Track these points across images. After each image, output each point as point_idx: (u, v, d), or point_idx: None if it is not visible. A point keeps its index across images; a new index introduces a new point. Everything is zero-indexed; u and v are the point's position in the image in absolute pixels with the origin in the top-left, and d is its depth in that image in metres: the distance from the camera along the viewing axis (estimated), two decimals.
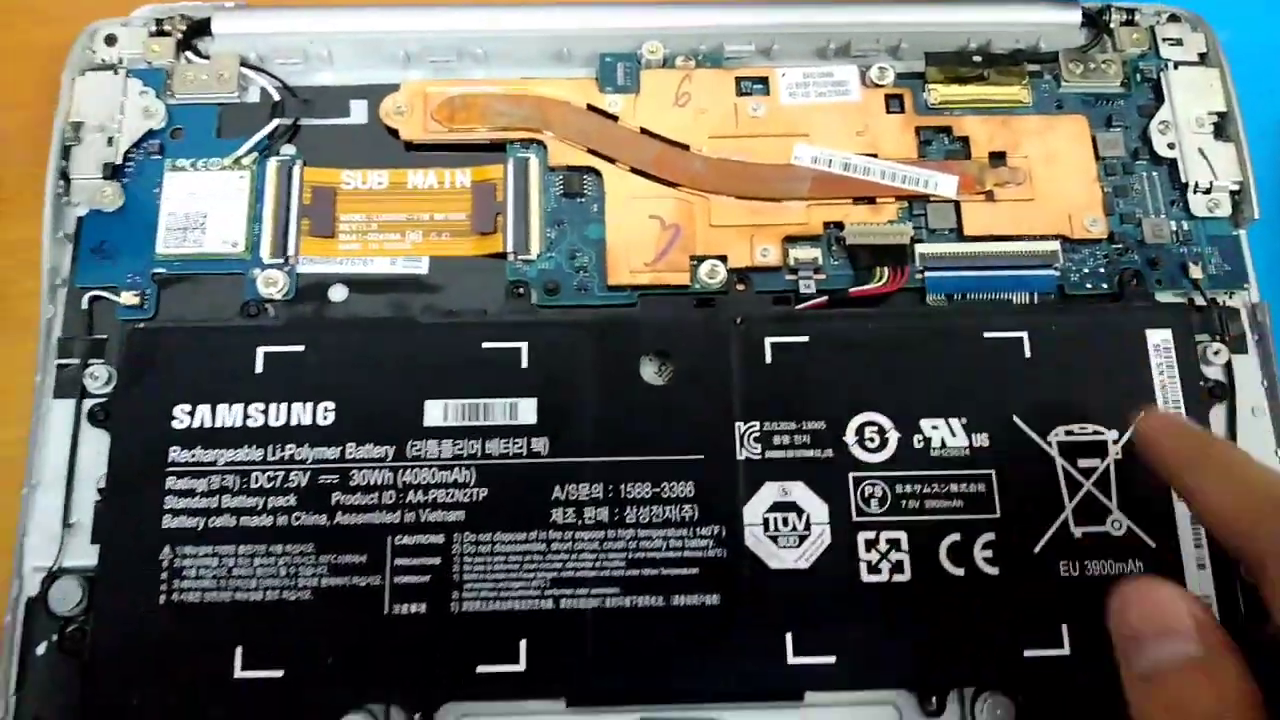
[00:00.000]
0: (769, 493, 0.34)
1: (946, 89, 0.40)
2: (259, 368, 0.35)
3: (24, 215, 0.41)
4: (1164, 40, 0.41)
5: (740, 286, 0.38)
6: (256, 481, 0.34)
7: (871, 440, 0.35)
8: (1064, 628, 0.33)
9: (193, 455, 0.34)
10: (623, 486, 0.34)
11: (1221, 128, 0.40)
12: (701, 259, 0.38)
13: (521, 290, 0.38)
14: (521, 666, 0.33)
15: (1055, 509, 0.34)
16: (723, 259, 0.38)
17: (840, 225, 0.38)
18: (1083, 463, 0.35)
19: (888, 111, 0.40)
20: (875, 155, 0.39)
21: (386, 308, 0.38)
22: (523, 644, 0.33)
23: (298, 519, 0.34)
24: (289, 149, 0.39)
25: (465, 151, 0.40)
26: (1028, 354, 0.36)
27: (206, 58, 0.40)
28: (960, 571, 0.34)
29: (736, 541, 0.34)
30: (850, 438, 0.35)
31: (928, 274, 0.38)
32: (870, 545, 0.34)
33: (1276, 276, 0.39)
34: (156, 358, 0.35)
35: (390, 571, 0.33)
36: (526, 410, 0.35)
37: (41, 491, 0.35)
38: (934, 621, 0.33)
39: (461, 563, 0.34)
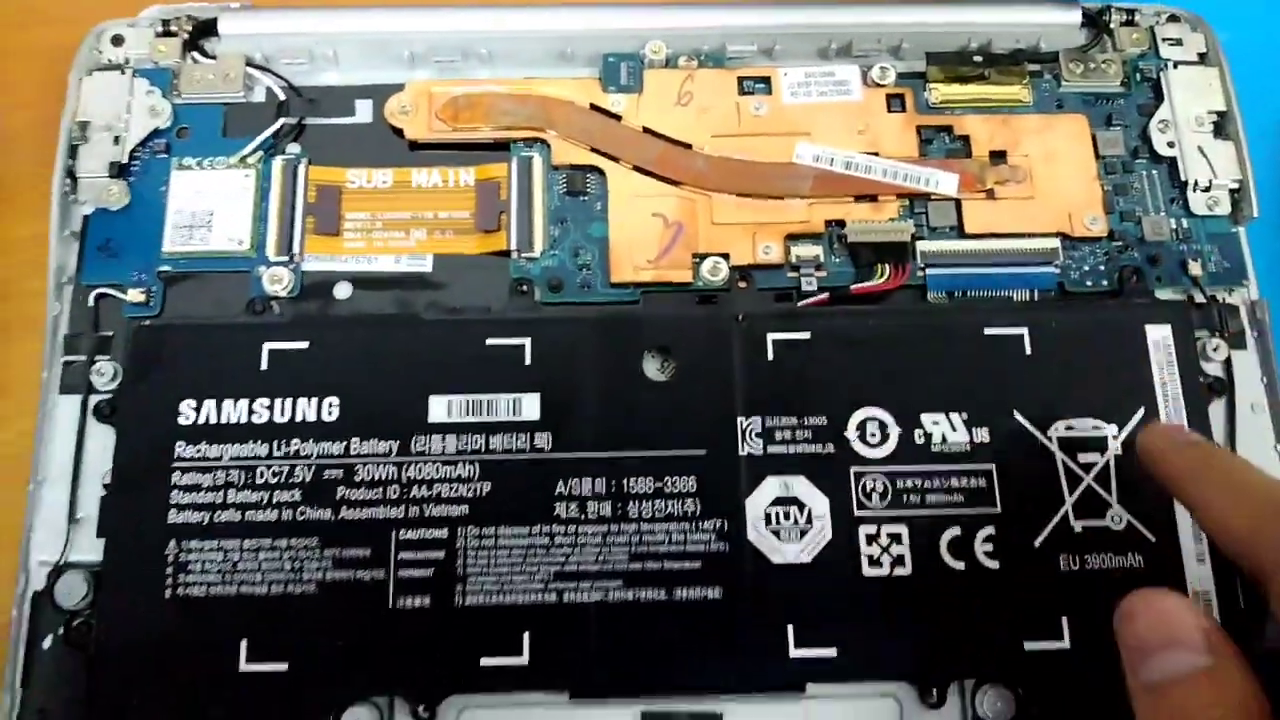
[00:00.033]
0: (771, 487, 0.35)
1: (947, 88, 0.40)
2: (264, 364, 0.36)
3: (30, 214, 0.41)
4: (1164, 40, 0.41)
5: (742, 284, 0.38)
6: (261, 477, 0.34)
7: (873, 435, 0.35)
8: (1064, 621, 0.33)
9: (198, 451, 0.35)
10: (625, 481, 0.35)
11: (1221, 127, 0.40)
12: (704, 256, 0.38)
13: (525, 288, 0.38)
14: (525, 660, 0.33)
15: (1055, 503, 0.35)
16: (725, 256, 0.38)
17: (842, 223, 0.39)
18: (1083, 457, 0.35)
19: (889, 111, 0.40)
20: (876, 154, 0.39)
21: (391, 305, 0.38)
22: (526, 637, 0.33)
23: (302, 514, 0.34)
24: (294, 148, 0.40)
25: (469, 150, 0.40)
26: (1028, 350, 0.36)
27: (213, 58, 0.41)
28: (961, 565, 0.34)
29: (739, 535, 0.34)
30: (852, 433, 0.35)
31: (929, 271, 0.38)
32: (871, 539, 0.34)
33: (1276, 274, 0.39)
34: (162, 354, 0.36)
35: (394, 565, 0.34)
36: (530, 406, 0.35)
37: (48, 487, 0.36)
38: (935, 615, 0.34)
39: (465, 557, 0.34)
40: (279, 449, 0.35)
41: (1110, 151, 0.40)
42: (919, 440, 0.35)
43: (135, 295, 0.37)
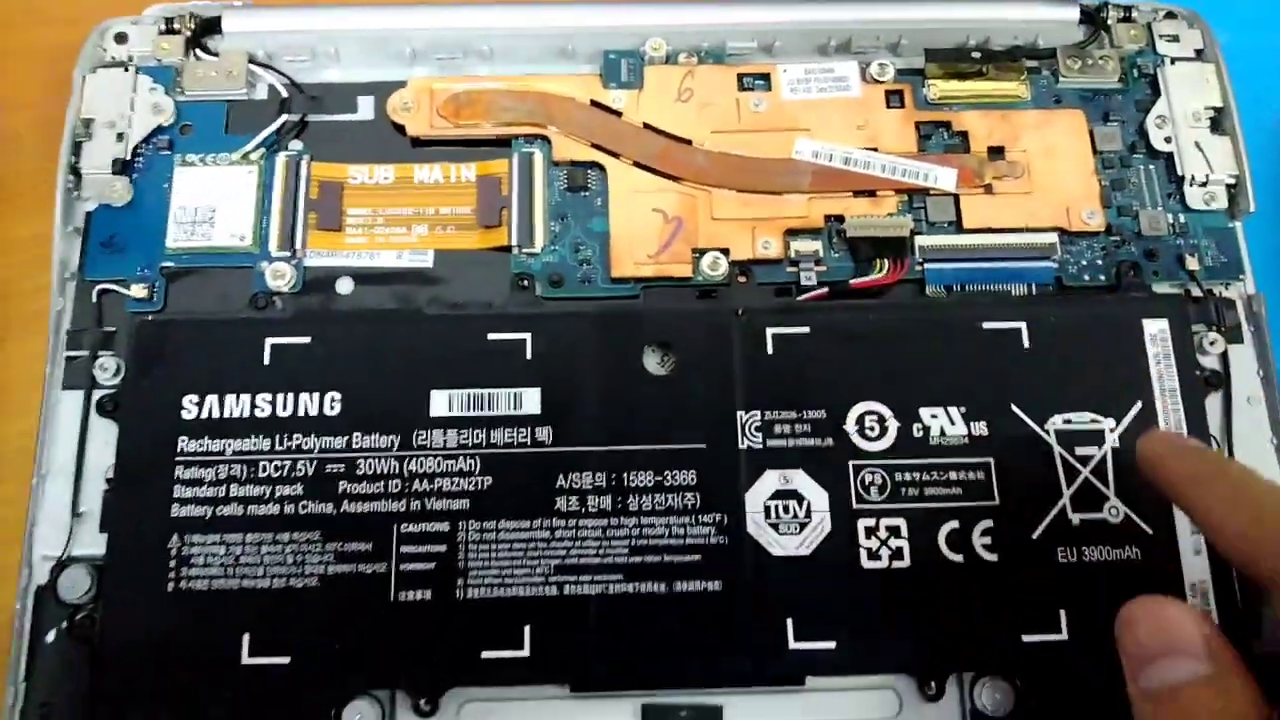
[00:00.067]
0: (770, 481, 0.35)
1: (946, 84, 0.41)
2: (266, 359, 0.36)
3: (34, 211, 0.41)
4: (1161, 36, 0.42)
5: (742, 279, 0.38)
6: (264, 471, 0.35)
7: (871, 429, 0.35)
8: (1062, 613, 0.33)
9: (201, 445, 0.35)
10: (626, 475, 0.35)
11: (1217, 122, 0.40)
12: (704, 252, 0.38)
13: (526, 283, 0.38)
14: (526, 652, 0.33)
15: (1053, 496, 0.35)
16: (725, 251, 0.38)
17: (841, 218, 0.39)
18: (1080, 450, 0.35)
19: (888, 107, 0.40)
20: (875, 149, 0.39)
21: (392, 300, 0.38)
22: (527, 630, 0.33)
23: (305, 508, 0.34)
24: (297, 144, 0.40)
25: (470, 146, 0.40)
26: (1026, 344, 0.36)
27: (215, 55, 0.41)
28: (959, 558, 0.34)
29: (738, 529, 0.34)
30: (851, 426, 0.35)
31: (927, 266, 0.38)
32: (870, 532, 0.34)
33: (1272, 268, 0.40)
34: (165, 349, 0.36)
35: (396, 559, 0.34)
36: (531, 400, 0.35)
37: (51, 482, 0.36)
38: (933, 607, 0.34)
39: (466, 550, 0.34)
40: (281, 443, 0.35)
41: (1108, 147, 0.40)
42: (917, 434, 0.35)
43: (138, 290, 0.37)
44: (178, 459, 0.35)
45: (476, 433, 0.35)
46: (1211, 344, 0.37)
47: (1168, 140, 0.40)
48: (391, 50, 0.41)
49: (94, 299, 0.38)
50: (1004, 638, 0.33)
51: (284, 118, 0.40)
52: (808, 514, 0.34)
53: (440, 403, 0.35)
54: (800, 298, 0.38)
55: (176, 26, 0.41)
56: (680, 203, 0.39)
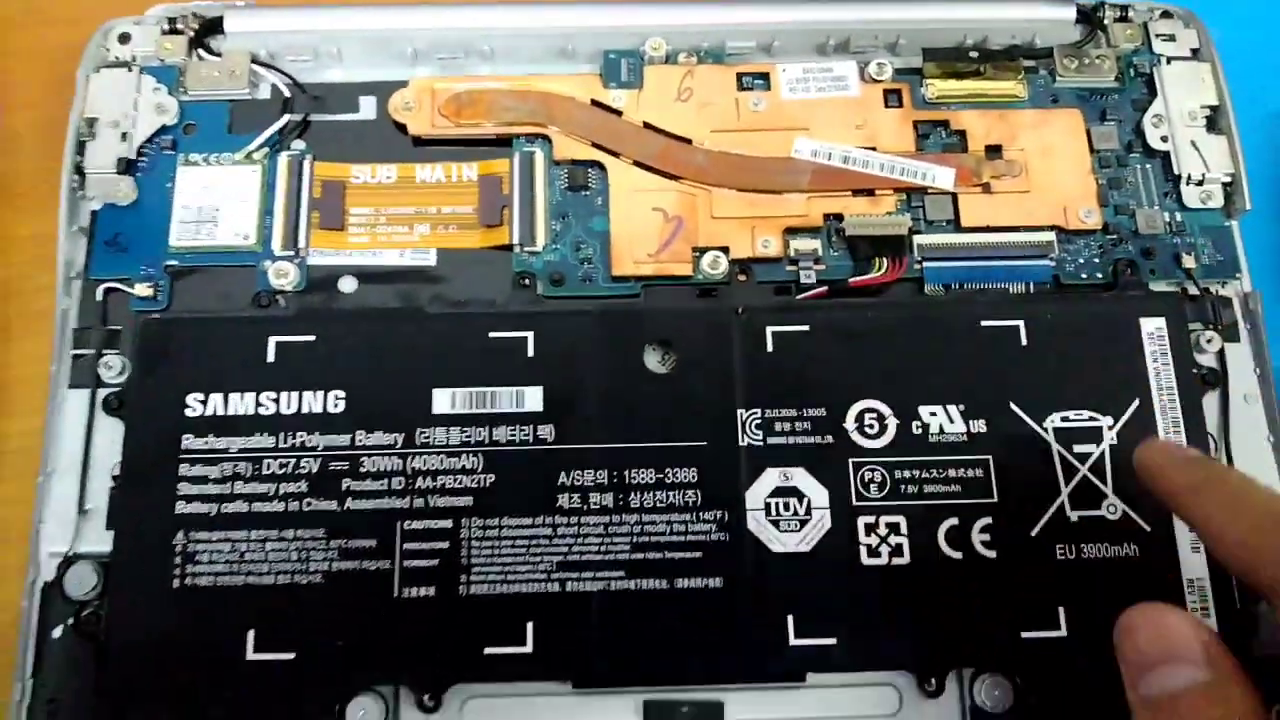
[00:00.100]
0: (770, 478, 0.35)
1: (944, 84, 0.41)
2: (270, 357, 0.36)
3: (38, 211, 0.41)
4: (1157, 36, 0.42)
5: (742, 277, 0.39)
6: (268, 468, 0.35)
7: (871, 427, 0.36)
8: (1061, 610, 0.34)
9: (205, 443, 0.35)
10: (627, 472, 0.35)
11: (1214, 121, 0.40)
12: (704, 250, 0.38)
13: (527, 281, 0.38)
14: (528, 648, 0.33)
15: (1051, 493, 0.35)
16: (725, 250, 0.38)
17: (840, 217, 0.39)
18: (1078, 448, 0.35)
19: (886, 106, 0.41)
20: (874, 148, 0.40)
21: (395, 299, 0.38)
22: (529, 626, 0.33)
23: (309, 505, 0.34)
24: (299, 144, 0.40)
25: (472, 146, 0.40)
26: (1024, 342, 0.36)
27: (218, 55, 0.41)
28: (958, 555, 0.34)
29: (739, 526, 0.34)
30: (850, 424, 0.36)
31: (926, 264, 0.38)
32: (870, 529, 0.34)
33: (1269, 266, 0.40)
34: (170, 348, 0.36)
35: (399, 556, 0.34)
36: (533, 398, 0.36)
37: (57, 479, 0.36)
38: (933, 604, 0.34)
39: (469, 547, 0.34)
40: (285, 441, 0.35)
41: (1105, 146, 0.40)
42: (916, 431, 0.36)
43: (143, 289, 0.38)
44: (183, 456, 0.35)
45: (479, 430, 0.35)
46: (1208, 342, 0.38)
47: (1164, 139, 0.40)
48: (393, 50, 0.42)
49: (99, 298, 0.38)
50: (1003, 634, 0.34)
51: (286, 117, 0.40)
52: (808, 511, 0.35)
53: (443, 400, 0.36)
54: (800, 296, 0.38)
55: (179, 26, 0.41)
56: (680, 202, 0.39)
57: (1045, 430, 0.36)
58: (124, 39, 0.41)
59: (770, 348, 0.36)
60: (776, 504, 0.35)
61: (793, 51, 0.42)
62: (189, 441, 0.35)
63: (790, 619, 0.34)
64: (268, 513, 0.34)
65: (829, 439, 0.35)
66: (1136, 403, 0.36)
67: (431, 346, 0.36)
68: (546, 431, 0.35)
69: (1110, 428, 0.36)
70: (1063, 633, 0.34)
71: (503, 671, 0.33)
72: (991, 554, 0.34)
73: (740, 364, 0.36)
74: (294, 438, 0.35)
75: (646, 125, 0.40)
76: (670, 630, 0.34)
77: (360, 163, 0.40)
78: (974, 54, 0.41)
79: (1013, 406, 0.36)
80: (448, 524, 0.34)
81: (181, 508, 0.34)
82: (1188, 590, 0.34)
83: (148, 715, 0.33)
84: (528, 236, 0.39)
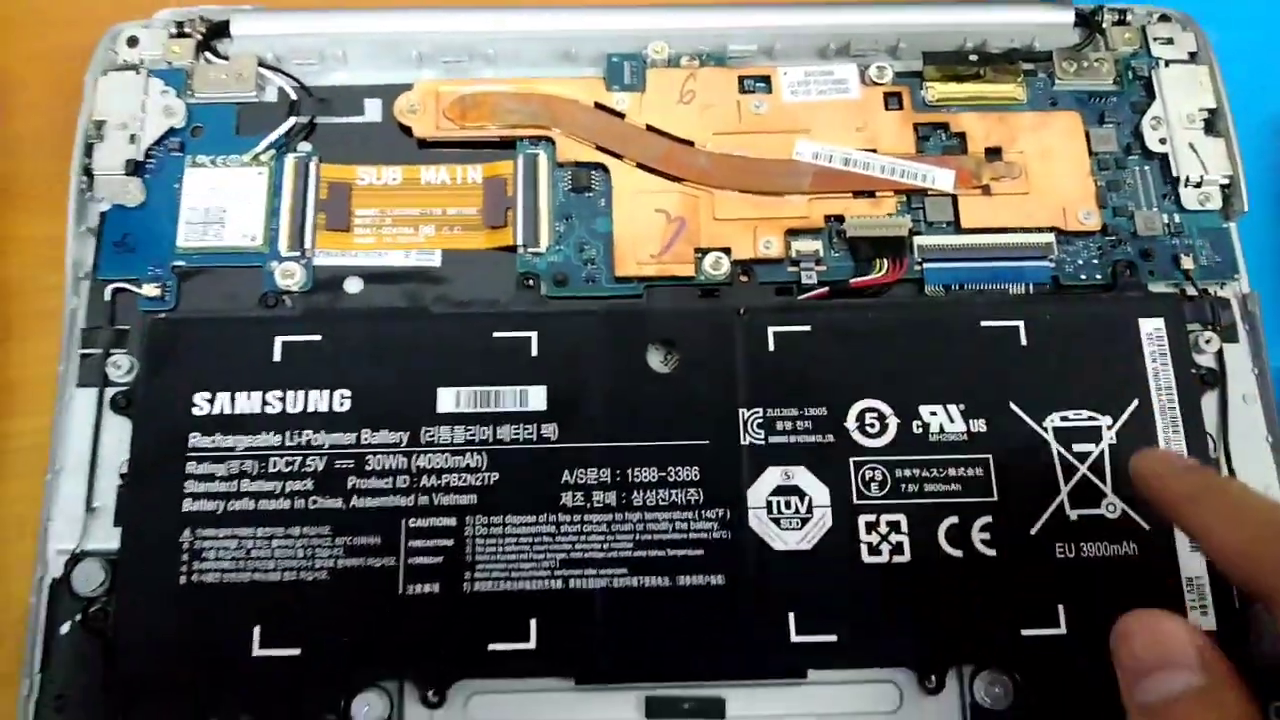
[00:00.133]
0: (772, 477, 0.35)
1: (944, 87, 0.41)
2: (277, 356, 0.36)
3: (47, 212, 0.42)
4: (1155, 39, 0.42)
5: (744, 278, 0.39)
6: (274, 466, 0.35)
7: (872, 426, 0.36)
8: (1060, 608, 0.34)
9: (212, 441, 0.35)
10: (630, 471, 0.35)
11: (1212, 123, 0.41)
12: (706, 251, 0.39)
13: (531, 282, 0.39)
14: (532, 645, 0.34)
15: (1051, 493, 0.35)
16: (727, 251, 0.39)
17: (841, 218, 0.39)
18: (1078, 447, 0.36)
19: (886, 109, 0.41)
20: (875, 151, 0.40)
21: (400, 299, 0.38)
22: (533, 623, 0.34)
23: (315, 502, 0.35)
24: (305, 146, 0.40)
25: (476, 148, 0.41)
26: (1024, 342, 0.37)
27: (225, 58, 0.41)
28: (959, 553, 0.35)
29: (741, 524, 0.35)
30: (851, 423, 0.36)
31: (926, 265, 0.39)
32: (871, 527, 0.35)
33: (1267, 267, 0.40)
34: (177, 347, 0.36)
35: (404, 553, 0.34)
36: (536, 397, 0.36)
37: (65, 477, 0.36)
38: (933, 602, 0.34)
39: (473, 544, 0.34)
40: (291, 439, 0.35)
41: (1103, 148, 0.41)
42: (917, 431, 0.36)
43: (151, 290, 0.38)
44: (190, 455, 0.35)
45: (483, 429, 0.36)
46: (1207, 342, 0.38)
47: (1162, 141, 0.40)
48: (399, 53, 0.42)
49: (107, 298, 0.38)
50: (1003, 632, 0.34)
51: (293, 120, 0.40)
52: (809, 509, 0.35)
53: (447, 399, 0.36)
54: (801, 297, 0.38)
55: (187, 30, 0.42)
56: (683, 203, 0.39)
57: (1045, 430, 0.36)
58: (132, 42, 0.41)
59: (772, 348, 0.37)
60: (778, 502, 0.35)
61: (794, 55, 0.43)
62: (196, 440, 0.35)
63: (791, 616, 0.34)
64: (274, 510, 0.35)
65: (830, 438, 0.36)
66: (1135, 403, 0.36)
67: (436, 346, 0.36)
68: (550, 430, 0.36)
69: (1109, 427, 0.36)
70: (1062, 630, 0.34)
71: (506, 668, 0.34)
72: (991, 552, 0.35)
73: (742, 364, 0.36)
74: (300, 436, 0.35)
75: (649, 128, 0.40)
76: (672, 627, 0.34)
77: (366, 165, 0.40)
78: (974, 57, 0.41)
79: (1012, 406, 0.36)
80: (452, 522, 0.35)
81: (189, 505, 0.35)
82: (1187, 589, 0.34)
83: (155, 710, 0.33)
84: (532, 238, 0.39)
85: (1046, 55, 0.42)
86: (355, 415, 0.36)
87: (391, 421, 0.36)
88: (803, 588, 0.34)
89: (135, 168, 0.39)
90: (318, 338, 0.37)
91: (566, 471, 0.35)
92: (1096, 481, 0.35)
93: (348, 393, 0.36)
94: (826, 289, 0.38)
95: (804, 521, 0.35)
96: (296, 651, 0.33)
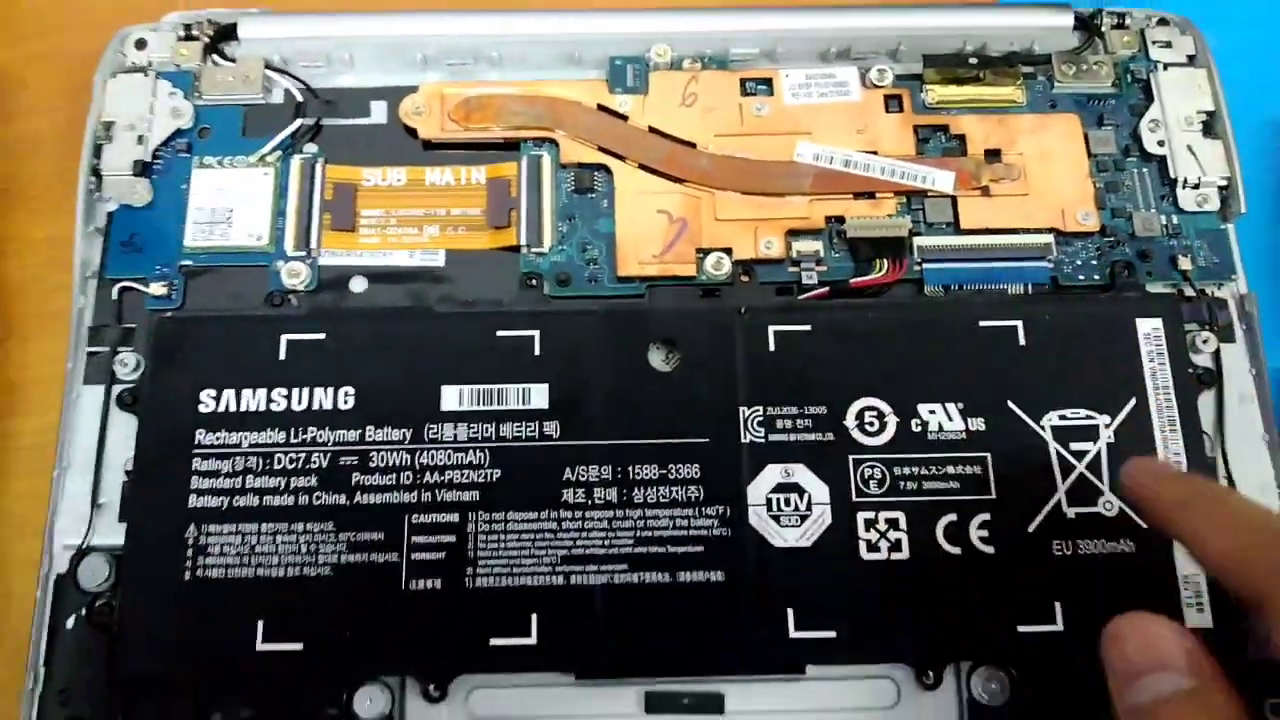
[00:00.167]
0: (772, 474, 0.36)
1: (944, 89, 0.41)
2: (282, 355, 0.37)
3: (55, 213, 0.43)
4: (1154, 43, 0.42)
5: (745, 278, 0.39)
6: (279, 463, 0.35)
7: (871, 424, 0.36)
8: (1057, 605, 0.34)
9: (218, 438, 0.36)
10: (631, 468, 0.35)
11: (1210, 126, 0.41)
12: (707, 251, 0.39)
13: (534, 281, 0.39)
14: (533, 640, 0.34)
15: (1049, 490, 0.35)
16: (728, 251, 0.39)
17: (841, 219, 0.40)
18: (1075, 446, 0.36)
19: (887, 111, 0.41)
20: (875, 152, 0.40)
21: (405, 298, 0.39)
22: (534, 618, 0.34)
23: (318, 499, 0.35)
24: (311, 147, 0.41)
25: (480, 150, 0.41)
26: (1022, 342, 0.37)
27: (233, 61, 0.42)
28: (957, 550, 0.35)
29: (741, 521, 0.35)
30: (850, 422, 0.36)
31: (925, 266, 0.39)
32: (869, 525, 0.35)
33: (1264, 268, 0.40)
34: (184, 345, 0.37)
35: (407, 549, 0.34)
36: (539, 395, 0.36)
37: (72, 474, 0.37)
38: (931, 599, 0.34)
39: (476, 540, 0.35)
40: (296, 436, 0.36)
41: (1102, 150, 0.41)
42: (916, 429, 0.36)
43: (158, 289, 0.38)
44: (195, 451, 0.35)
45: (486, 426, 0.36)
46: (1204, 342, 0.38)
47: (1161, 144, 0.41)
48: (404, 56, 0.42)
49: (114, 297, 0.39)
50: (1000, 628, 0.34)
51: (299, 121, 0.41)
52: (808, 507, 0.35)
53: (451, 397, 0.36)
54: (801, 296, 0.39)
55: (195, 33, 0.42)
56: (684, 204, 0.40)
57: (1043, 428, 0.36)
58: (140, 45, 0.42)
59: (772, 347, 0.37)
60: (778, 500, 0.35)
61: (795, 58, 0.43)
62: (202, 436, 0.36)
63: (790, 612, 0.34)
64: (278, 506, 0.35)
65: (830, 436, 0.36)
66: (1133, 402, 0.36)
67: (440, 345, 0.37)
68: (552, 428, 0.36)
69: (1107, 426, 0.36)
70: (1059, 627, 0.34)
71: (507, 662, 0.34)
72: (989, 550, 0.35)
73: (743, 363, 0.37)
74: (305, 433, 0.36)
75: (652, 130, 0.41)
76: (672, 623, 0.34)
77: (371, 166, 0.41)
78: (973, 60, 0.42)
79: (1011, 405, 0.36)
80: (455, 518, 0.35)
81: (194, 501, 0.35)
82: (1183, 586, 0.34)
83: (158, 704, 0.34)
84: (535, 238, 0.39)
85: (1046, 58, 0.42)
86: (359, 413, 0.36)
87: (395, 419, 0.36)
88: (802, 584, 0.34)
89: (143, 168, 0.40)
90: (322, 336, 0.37)
91: (568, 469, 0.35)
92: (1094, 480, 0.35)
93: (352, 390, 0.36)
94: (827, 289, 0.39)
95: (803, 519, 0.35)
96: (299, 646, 0.34)
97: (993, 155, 0.40)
